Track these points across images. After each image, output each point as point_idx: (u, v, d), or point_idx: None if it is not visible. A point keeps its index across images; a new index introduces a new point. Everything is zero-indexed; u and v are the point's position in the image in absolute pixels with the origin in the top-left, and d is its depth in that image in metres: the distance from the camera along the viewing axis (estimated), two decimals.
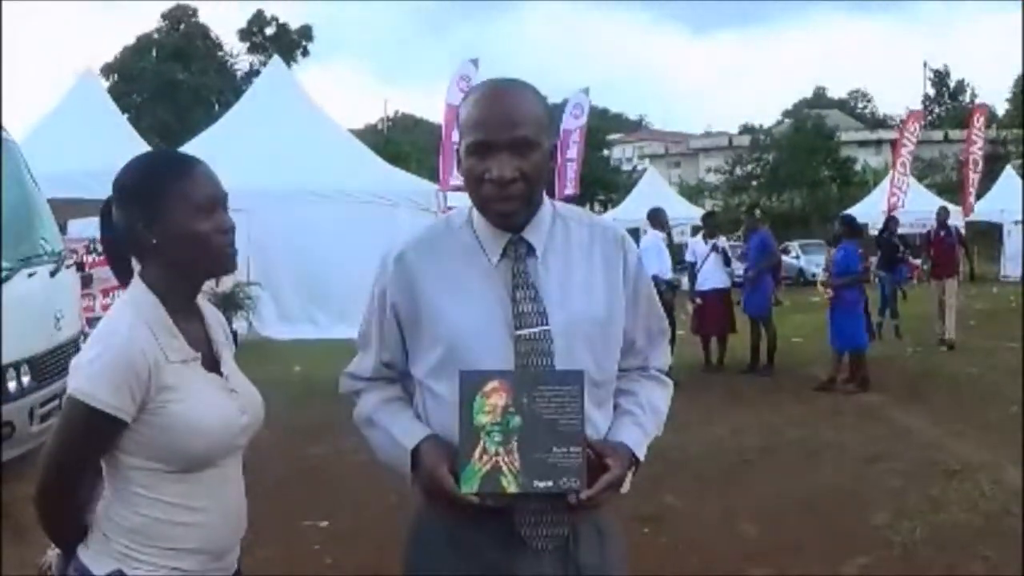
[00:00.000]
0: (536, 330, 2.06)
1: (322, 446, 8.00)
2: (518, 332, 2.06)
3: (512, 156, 2.02)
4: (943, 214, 15.62)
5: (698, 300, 12.45)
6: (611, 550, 2.20)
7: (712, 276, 12.43)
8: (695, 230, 15.43)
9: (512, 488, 1.96)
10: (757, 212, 17.37)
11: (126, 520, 2.04)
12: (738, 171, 53.66)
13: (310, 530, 5.83)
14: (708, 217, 14.24)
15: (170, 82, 54.17)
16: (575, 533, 2.11)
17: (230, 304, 13.22)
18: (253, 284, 14.15)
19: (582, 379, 2.01)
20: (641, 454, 2.17)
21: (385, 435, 2.19)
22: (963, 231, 18.25)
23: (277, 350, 13.48)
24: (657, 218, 12.70)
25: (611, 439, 2.14)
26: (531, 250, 2.14)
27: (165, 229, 2.04)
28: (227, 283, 13.32)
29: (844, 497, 6.62)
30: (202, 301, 2.25)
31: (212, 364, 2.14)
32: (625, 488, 2.13)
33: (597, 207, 49.74)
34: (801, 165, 48.42)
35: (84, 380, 1.95)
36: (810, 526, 5.98)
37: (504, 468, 1.96)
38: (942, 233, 15.14)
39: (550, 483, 1.96)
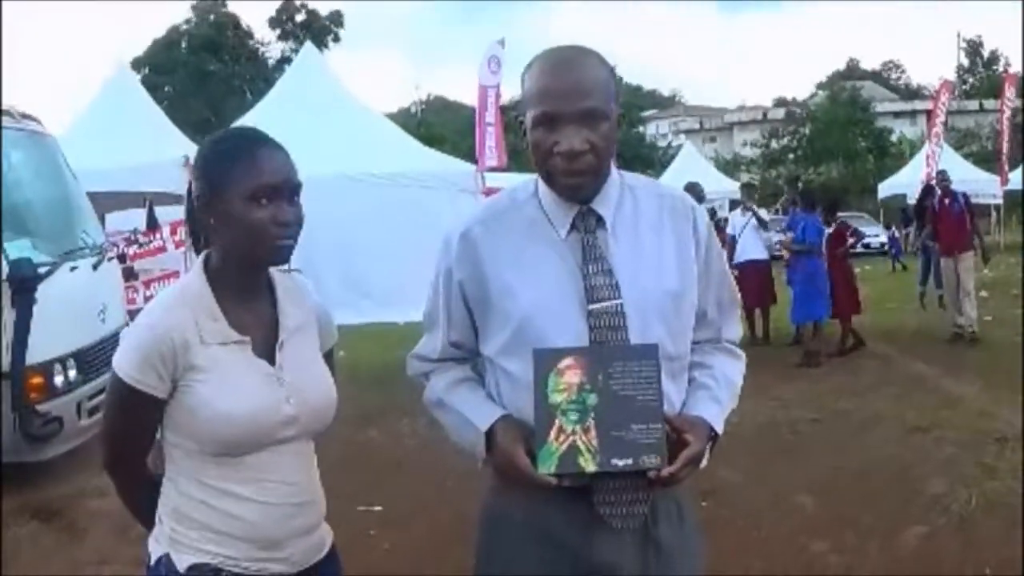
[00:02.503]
0: (609, 304, 2.03)
1: (374, 431, 8.03)
2: (590, 307, 2.02)
3: (581, 127, 1.98)
4: (943, 179, 13.08)
5: (734, 273, 12.35)
6: (689, 526, 2.17)
7: (750, 247, 12.32)
8: (732, 204, 15.24)
9: (591, 467, 1.93)
10: (799, 185, 16.96)
11: (172, 500, 2.06)
12: (774, 144, 53.12)
13: (365, 515, 5.83)
14: (747, 188, 14.11)
15: (202, 73, 54.41)
16: (654, 511, 2.07)
17: None
18: (294, 271, 14.16)
19: (657, 353, 1.98)
20: (719, 428, 2.13)
21: (457, 416, 2.16)
22: (1000, 201, 17.44)
23: None
24: (694, 192, 12.58)
25: (688, 414, 2.11)
26: (600, 222, 2.10)
27: (221, 212, 2.02)
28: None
29: (897, 467, 6.57)
30: (294, 285, 2.22)
31: (268, 351, 2.10)
32: (704, 463, 2.09)
33: None
34: (837, 137, 47.86)
35: (119, 354, 2.02)
36: (865, 498, 5.93)
37: (582, 447, 1.93)
38: (947, 201, 12.51)
39: (630, 460, 1.93)
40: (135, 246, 10.39)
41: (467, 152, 19.54)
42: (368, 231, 14.37)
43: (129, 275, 9.66)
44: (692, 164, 31.80)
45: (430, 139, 30.56)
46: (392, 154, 14.80)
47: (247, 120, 15.81)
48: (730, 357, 2.30)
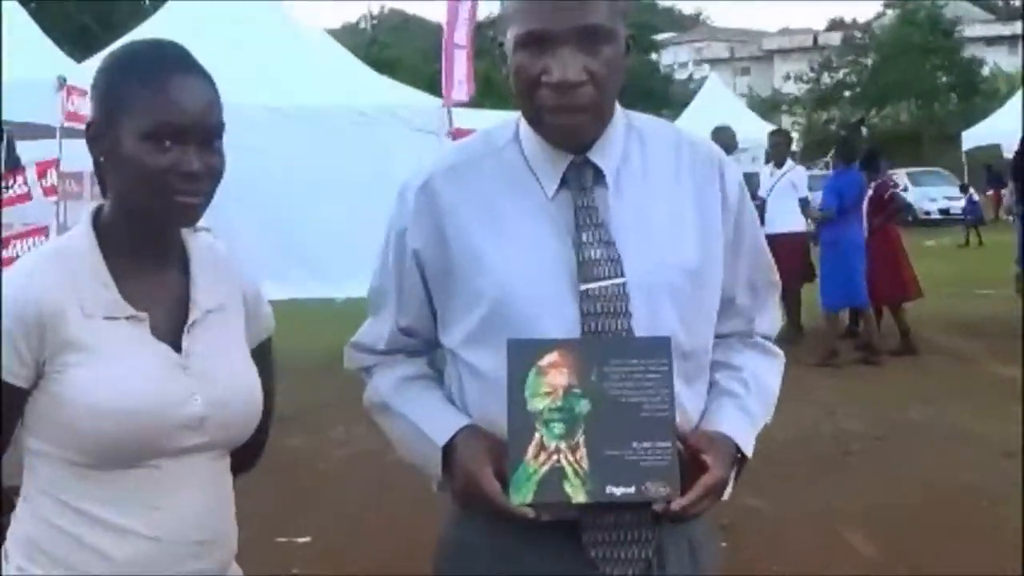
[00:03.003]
0: (608, 284, 2.02)
1: (299, 437, 8.03)
2: (584, 286, 2.02)
3: (578, 51, 1.97)
4: None
5: None
6: (705, 569, 2.18)
7: (782, 215, 11.99)
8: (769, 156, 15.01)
9: (580, 496, 1.92)
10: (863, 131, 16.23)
11: (25, 528, 2.02)
12: (826, 79, 53.30)
13: (286, 548, 5.83)
14: (776, 136, 13.89)
15: None
16: (661, 554, 2.07)
17: None
18: (201, 230, 14.12)
19: (669, 348, 1.97)
20: (748, 448, 2.14)
21: (407, 426, 2.16)
22: None
23: None
24: (723, 139, 12.55)
25: (708, 428, 2.11)
26: (600, 177, 2.10)
27: (112, 150, 2.00)
28: None
29: (979, 501, 6.57)
30: (215, 255, 2.22)
31: (173, 333, 2.07)
32: (727, 494, 2.09)
33: None
34: (910, 70, 47.95)
35: None
36: (933, 539, 5.93)
37: (568, 469, 1.92)
38: None
39: (631, 489, 1.92)
40: None
41: (430, 81, 19.45)
42: (300, 180, 14.29)
43: None
44: (719, 103, 31.57)
45: (383, 63, 30.44)
46: (333, 81, 14.71)
47: (140, 33, 15.68)
48: (764, 356, 2.30)
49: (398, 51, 48.23)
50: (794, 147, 29.43)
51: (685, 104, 39.23)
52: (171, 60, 2.04)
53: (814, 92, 53.35)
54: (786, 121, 42.98)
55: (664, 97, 54.45)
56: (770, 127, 30.17)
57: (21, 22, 13.24)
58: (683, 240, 2.10)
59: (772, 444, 7.20)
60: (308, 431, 8.03)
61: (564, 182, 2.09)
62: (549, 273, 2.03)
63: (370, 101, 14.42)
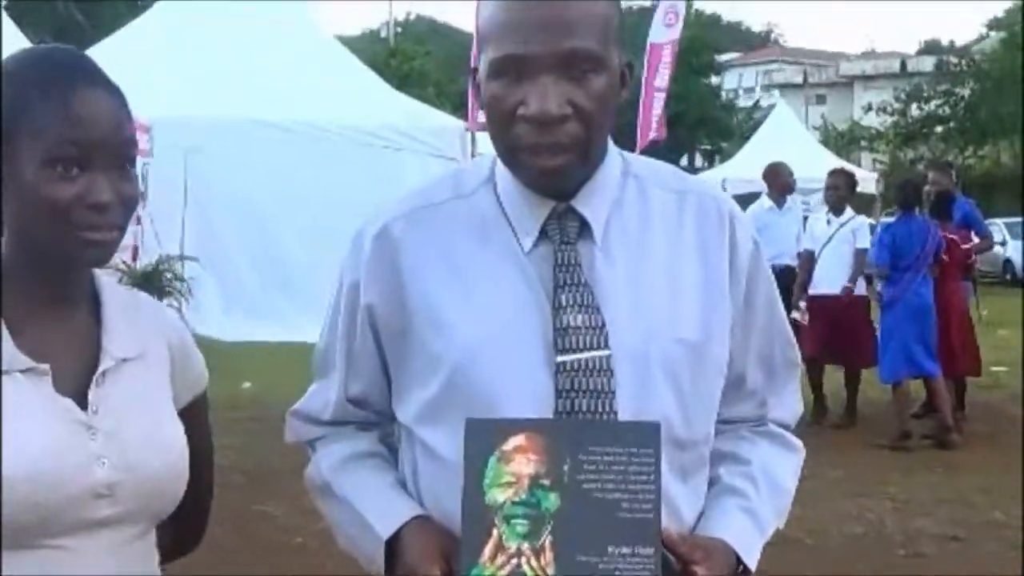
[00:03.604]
0: (589, 355, 1.99)
1: (279, 503, 8.00)
2: (561, 358, 1.99)
3: (561, 80, 1.94)
4: None
5: (802, 307, 11.57)
6: None
7: (832, 272, 11.58)
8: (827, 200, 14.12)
9: None
10: (953, 174, 15.24)
11: None
12: (914, 111, 53.18)
13: None
14: (835, 177, 12.61)
15: None
16: None
17: (150, 288, 13.17)
18: (188, 259, 14.20)
19: (659, 435, 1.93)
20: (752, 559, 2.09)
21: (349, 512, 2.14)
22: None
23: (220, 357, 13.30)
24: (776, 177, 12.43)
25: (705, 533, 2.08)
26: (586, 229, 2.07)
27: (8, 177, 1.96)
28: (150, 255, 13.33)
29: None
30: (135, 299, 2.18)
31: (79, 387, 2.02)
32: None
33: (699, 160, 49.61)
34: (1014, 103, 47.71)
35: None
36: None
37: (531, 575, 1.88)
38: None
39: None
40: None
41: (456, 100, 19.60)
42: (302, 209, 14.41)
43: None
44: (787, 135, 31.58)
45: (405, 78, 30.68)
46: (344, 97, 14.81)
47: (131, 32, 15.84)
48: (779, 448, 2.26)
49: (424, 63, 48.58)
50: (873, 190, 29.38)
51: (748, 135, 39.34)
52: (68, 66, 2.01)
53: (900, 126, 53.14)
54: (865, 159, 42.86)
55: (724, 126, 54.65)
56: (847, 165, 30.18)
57: None
58: (682, 306, 2.07)
59: (829, 542, 7.20)
60: (288, 497, 7.96)
61: (544, 233, 2.06)
62: (520, 339, 2.01)
63: (385, 120, 14.49)
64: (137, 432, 2.04)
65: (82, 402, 2.00)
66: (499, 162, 2.10)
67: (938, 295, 10.98)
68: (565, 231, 2.06)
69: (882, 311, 11.25)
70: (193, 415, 2.20)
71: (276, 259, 15.07)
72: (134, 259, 12.99)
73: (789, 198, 12.61)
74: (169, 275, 13.98)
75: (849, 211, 11.99)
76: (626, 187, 2.12)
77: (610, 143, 2.11)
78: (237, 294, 15.25)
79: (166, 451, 2.08)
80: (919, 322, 10.79)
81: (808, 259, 11.77)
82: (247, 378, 12.34)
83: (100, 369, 2.03)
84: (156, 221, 13.83)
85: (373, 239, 2.13)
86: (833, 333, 11.44)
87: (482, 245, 2.08)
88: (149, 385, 2.11)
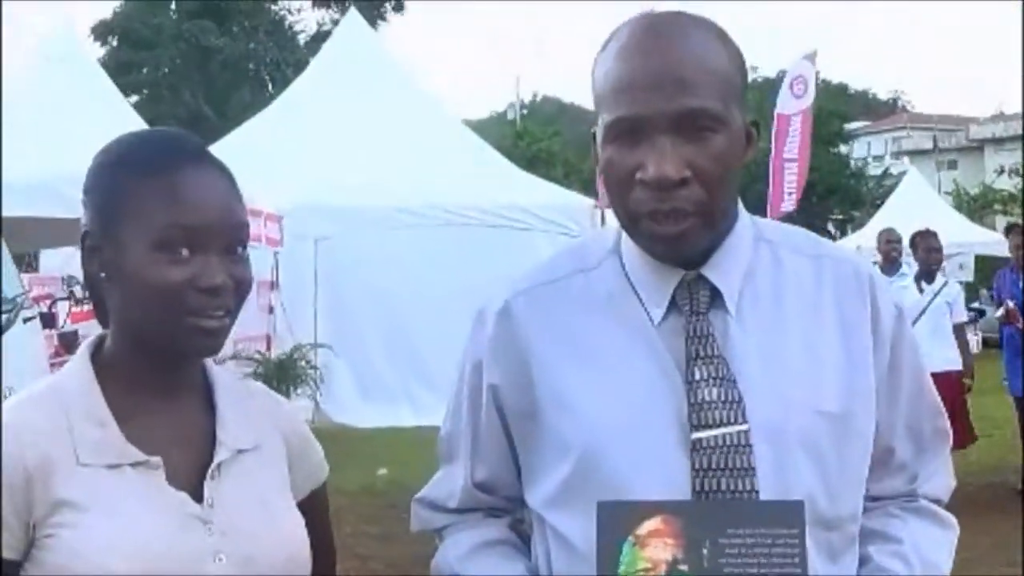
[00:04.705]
0: (726, 431, 1.93)
1: None
2: (697, 435, 1.93)
3: (679, 141, 1.88)
4: None
5: None
6: None
7: (927, 347, 11.21)
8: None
9: None
10: None
11: None
12: None
13: None
14: (922, 239, 11.76)
15: (200, 49, 55.35)
16: None
17: (285, 376, 13.33)
18: (322, 347, 14.35)
19: (803, 514, 1.86)
20: None
21: None
22: None
23: (355, 444, 13.51)
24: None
25: None
26: (718, 298, 2.01)
27: (113, 264, 1.93)
28: (283, 344, 13.49)
29: None
30: (248, 389, 2.16)
31: (193, 480, 1.99)
32: None
33: (831, 228, 49.24)
34: None
35: None
36: None
37: None
38: None
39: None
40: (71, 300, 10.31)
41: (588, 178, 19.65)
42: (433, 291, 14.49)
43: (70, 344, 9.72)
44: (919, 201, 31.49)
45: (535, 159, 30.92)
46: (473, 180, 14.95)
47: (262, 121, 16.16)
48: (932, 525, 2.16)
49: (551, 143, 48.99)
50: (1007, 253, 28.84)
51: (880, 202, 39.03)
52: (174, 149, 1.98)
53: None
54: (999, 222, 42.22)
55: (855, 195, 54.29)
56: (982, 232, 29.75)
57: (115, 103, 13.39)
58: (823, 377, 2.00)
59: None
60: None
61: (674, 304, 2.00)
62: (652, 418, 1.95)
63: (514, 200, 14.56)
64: (255, 525, 2.00)
65: (197, 496, 1.96)
66: (624, 233, 2.04)
67: None
68: (696, 301, 2.00)
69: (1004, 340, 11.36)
70: (313, 507, 2.16)
71: (408, 343, 15.18)
72: (268, 348, 13.15)
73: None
74: (303, 363, 14.15)
75: (940, 277, 11.41)
76: (758, 253, 2.06)
77: (740, 207, 2.04)
78: (371, 380, 15.39)
79: (286, 544, 2.04)
80: None
81: None
82: (383, 464, 12.35)
83: (215, 461, 2.00)
84: (288, 310, 14.07)
85: (495, 317, 2.09)
86: None
87: (609, 319, 2.03)
88: (266, 477, 2.08)
